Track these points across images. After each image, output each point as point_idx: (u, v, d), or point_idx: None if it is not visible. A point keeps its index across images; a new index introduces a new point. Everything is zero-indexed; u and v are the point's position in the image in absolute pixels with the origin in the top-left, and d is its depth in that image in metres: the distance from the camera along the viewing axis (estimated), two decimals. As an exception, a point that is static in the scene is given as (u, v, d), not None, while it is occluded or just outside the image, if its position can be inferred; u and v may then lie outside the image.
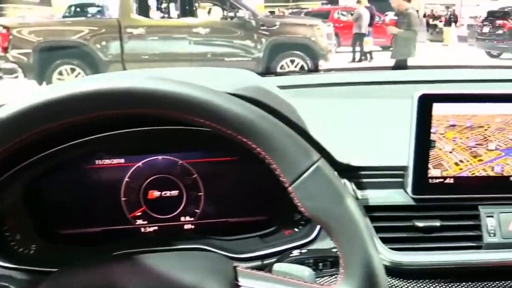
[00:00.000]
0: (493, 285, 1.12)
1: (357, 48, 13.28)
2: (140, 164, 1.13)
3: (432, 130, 1.07)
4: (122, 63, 8.18)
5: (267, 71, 8.64)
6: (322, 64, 9.19)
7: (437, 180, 1.10)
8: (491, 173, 1.11)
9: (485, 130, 1.09)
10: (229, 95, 0.71)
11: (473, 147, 1.09)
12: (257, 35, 8.96)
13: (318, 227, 1.10)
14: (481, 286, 1.12)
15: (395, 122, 1.10)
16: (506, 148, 1.10)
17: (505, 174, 1.11)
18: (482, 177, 1.11)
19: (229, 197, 1.11)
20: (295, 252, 1.01)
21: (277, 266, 0.83)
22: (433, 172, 1.10)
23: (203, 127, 0.70)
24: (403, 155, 1.11)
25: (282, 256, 1.03)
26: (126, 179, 1.12)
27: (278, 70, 8.80)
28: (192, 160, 1.14)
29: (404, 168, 1.12)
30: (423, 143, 1.08)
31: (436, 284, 1.10)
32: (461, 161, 1.10)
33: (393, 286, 1.09)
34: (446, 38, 18.85)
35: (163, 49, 8.60)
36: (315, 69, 9.17)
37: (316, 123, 1.23)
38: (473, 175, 1.11)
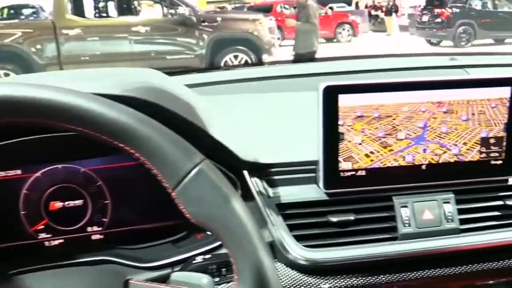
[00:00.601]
0: (410, 276, 1.10)
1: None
2: (38, 174, 1.05)
3: (339, 122, 1.04)
4: (60, 65, 7.93)
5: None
6: (266, 58, 9.17)
7: (349, 173, 1.07)
8: (403, 163, 1.09)
9: (394, 119, 1.07)
10: (104, 98, 0.66)
11: (383, 137, 1.07)
12: (198, 32, 8.86)
13: None
14: (398, 277, 1.10)
15: (306, 115, 1.06)
16: (416, 136, 1.08)
17: (416, 163, 1.10)
18: (394, 167, 1.09)
19: (137, 203, 1.04)
20: (198, 259, 0.96)
21: (175, 276, 0.79)
22: (344, 165, 1.07)
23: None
24: (315, 149, 1.07)
25: (185, 263, 0.98)
26: (25, 191, 1.04)
27: (222, 66, 8.72)
28: (95, 167, 1.08)
29: (316, 163, 1.08)
30: (331, 136, 1.05)
31: (354, 278, 1.08)
32: (371, 152, 1.07)
33: (311, 285, 1.06)
34: (388, 28, 19.20)
35: (103, 50, 8.39)
36: (259, 64, 9.15)
37: (226, 120, 1.18)
38: (385, 166, 1.09)
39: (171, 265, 1.04)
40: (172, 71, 1.57)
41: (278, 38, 12.32)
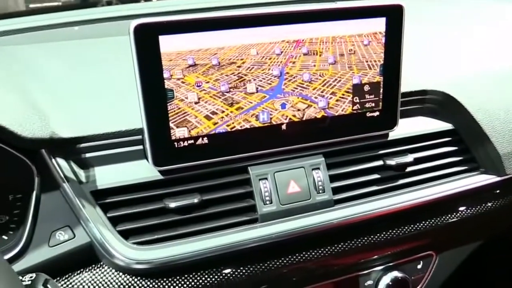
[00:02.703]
0: (276, 264, 0.88)
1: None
2: None
3: (165, 75, 0.74)
4: None
5: None
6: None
7: (186, 143, 0.78)
8: (257, 124, 0.82)
9: (239, 67, 0.79)
10: None
11: (227, 92, 0.79)
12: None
13: (27, 231, 0.74)
14: (262, 267, 0.88)
15: (128, 69, 0.74)
16: (271, 88, 0.81)
17: (274, 123, 0.83)
18: (246, 130, 0.82)
19: None
20: None
21: None
22: (178, 132, 0.78)
23: None
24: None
25: None
26: None
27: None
28: None
29: (142, 132, 0.78)
30: (155, 94, 0.75)
31: (207, 276, 0.83)
32: (213, 112, 0.79)
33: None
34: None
35: None
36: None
37: (9, 80, 0.84)
38: (233, 129, 0.81)
39: None
40: None
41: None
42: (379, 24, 0.86)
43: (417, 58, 1.10)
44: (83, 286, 0.77)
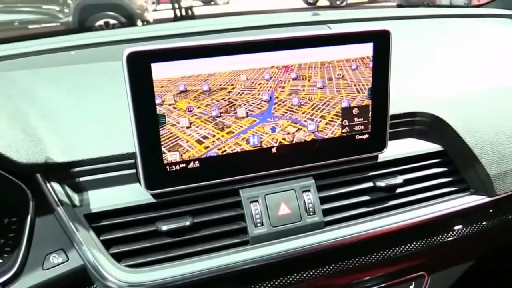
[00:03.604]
0: (267, 285, 0.87)
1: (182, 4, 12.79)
2: None
3: (157, 101, 0.76)
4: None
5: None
6: (140, 24, 8.70)
7: (178, 167, 0.80)
8: (247, 147, 0.84)
9: (229, 92, 0.81)
10: None
11: (218, 116, 0.81)
12: (62, -2, 8.19)
13: (21, 254, 0.75)
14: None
15: (123, 93, 0.76)
16: (260, 112, 0.83)
17: (264, 146, 0.85)
18: (236, 154, 0.83)
19: None
20: None
21: None
22: (170, 157, 0.79)
23: None
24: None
25: None
26: None
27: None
28: None
29: (135, 156, 0.80)
30: (148, 120, 0.77)
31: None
32: (205, 137, 0.80)
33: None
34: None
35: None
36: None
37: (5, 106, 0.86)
38: (224, 152, 0.82)
39: None
40: None
41: (153, 3, 11.75)
42: (366, 49, 0.88)
43: (405, 81, 1.11)
44: None
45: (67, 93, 0.98)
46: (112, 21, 8.31)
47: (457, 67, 1.25)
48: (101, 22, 8.26)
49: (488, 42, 1.44)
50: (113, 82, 0.97)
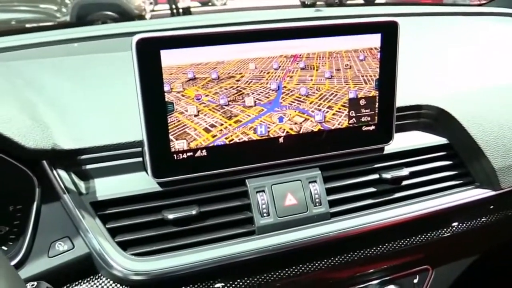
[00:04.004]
0: (274, 276, 0.89)
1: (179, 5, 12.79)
2: None
3: (165, 88, 0.76)
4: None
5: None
6: (140, 22, 8.69)
7: (185, 155, 0.80)
8: (254, 137, 0.83)
9: (238, 81, 0.81)
10: None
11: (226, 105, 0.80)
12: (60, -4, 8.17)
13: (27, 242, 0.75)
14: (260, 279, 0.89)
15: (130, 82, 0.76)
16: (268, 102, 0.83)
17: (272, 136, 0.84)
18: (244, 143, 0.83)
19: None
20: None
21: None
22: (177, 145, 0.79)
23: None
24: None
25: None
26: None
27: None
28: None
29: (142, 144, 0.79)
30: (156, 107, 0.76)
31: (202, 287, 0.81)
32: (212, 125, 0.80)
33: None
34: (264, -10, 19.16)
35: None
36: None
37: (13, 94, 0.86)
38: (232, 141, 0.82)
39: None
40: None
41: (151, 3, 11.73)
42: (374, 40, 0.88)
43: (412, 74, 1.11)
44: None
45: (73, 83, 0.98)
46: (109, 22, 8.31)
47: (461, 63, 1.25)
48: (99, 23, 8.24)
49: (490, 40, 1.44)
50: (119, 71, 0.96)
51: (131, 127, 0.83)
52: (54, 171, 0.80)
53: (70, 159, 0.82)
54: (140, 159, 0.85)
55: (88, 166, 0.84)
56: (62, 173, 0.81)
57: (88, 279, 0.80)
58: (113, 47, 1.09)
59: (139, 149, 0.84)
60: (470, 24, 1.59)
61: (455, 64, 1.22)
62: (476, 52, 1.33)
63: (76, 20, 8.07)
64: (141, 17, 8.55)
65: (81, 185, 0.82)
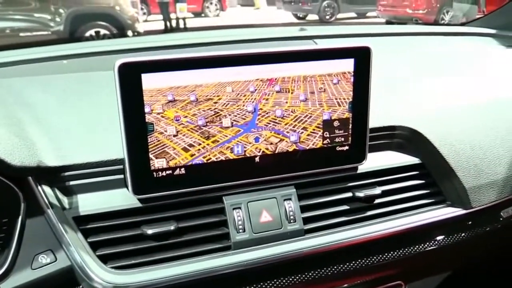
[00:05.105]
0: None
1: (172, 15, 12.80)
2: None
3: (146, 110, 0.80)
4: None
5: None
6: (131, 34, 8.74)
7: (164, 173, 0.83)
8: (231, 156, 0.87)
9: (215, 103, 0.84)
10: None
11: (204, 126, 0.84)
12: (54, 7, 8.19)
13: (11, 254, 0.78)
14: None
15: (113, 101, 0.79)
16: (245, 123, 0.87)
17: (248, 155, 0.88)
18: (221, 162, 0.87)
19: None
20: None
21: None
22: (157, 163, 0.82)
23: None
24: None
25: None
26: None
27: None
28: None
29: (123, 162, 0.83)
30: (137, 127, 0.80)
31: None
32: (191, 145, 0.84)
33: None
34: (256, 2, 19.23)
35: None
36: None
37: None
38: (209, 160, 0.86)
39: None
40: None
41: (144, 13, 11.78)
42: (348, 64, 0.92)
43: (386, 96, 1.15)
44: None
45: (60, 100, 1.02)
46: (103, 31, 8.35)
47: (436, 83, 1.29)
48: (92, 32, 8.29)
49: (466, 61, 1.49)
50: (104, 91, 1.00)
51: (114, 145, 0.87)
52: (39, 187, 0.83)
53: (54, 175, 0.85)
54: (121, 176, 0.89)
55: (72, 182, 0.87)
56: (47, 188, 0.84)
57: None
58: (100, 65, 1.12)
59: (121, 166, 0.88)
60: (448, 45, 1.64)
61: (430, 84, 1.26)
62: (452, 73, 1.37)
63: (69, 29, 8.08)
64: (133, 28, 8.58)
65: (65, 200, 0.86)
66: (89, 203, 0.86)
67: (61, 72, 1.13)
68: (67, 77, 1.11)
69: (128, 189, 0.86)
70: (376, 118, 1.03)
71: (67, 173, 0.86)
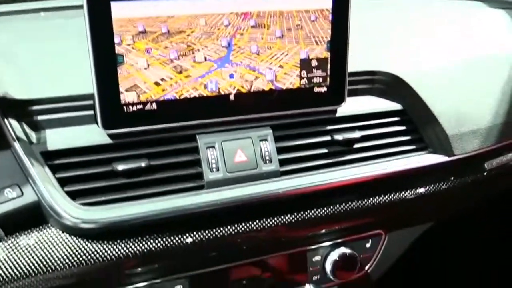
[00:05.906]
0: (222, 231, 0.90)
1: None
2: None
3: (115, 40, 0.77)
4: None
5: None
6: None
7: (135, 107, 0.81)
8: (205, 92, 0.85)
9: (188, 36, 0.82)
10: None
11: (176, 59, 0.82)
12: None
13: None
14: (208, 234, 0.90)
15: (81, 36, 0.77)
16: (219, 58, 0.84)
17: (222, 92, 0.86)
18: (194, 99, 0.85)
19: None
20: None
21: None
22: (127, 97, 0.81)
23: None
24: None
25: None
26: None
27: None
28: None
29: (93, 96, 0.81)
30: (106, 58, 0.78)
31: (152, 240, 0.85)
32: (162, 79, 0.82)
33: (98, 253, 0.81)
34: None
35: None
36: None
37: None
38: (182, 96, 0.84)
39: None
40: None
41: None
42: (326, 1, 0.89)
43: (368, 41, 1.13)
44: (30, 246, 0.79)
45: (28, 40, 0.98)
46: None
47: (420, 38, 1.26)
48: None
49: (454, 20, 1.45)
50: (74, 29, 0.97)
51: (84, 80, 0.84)
52: (6, 120, 0.81)
53: (21, 109, 0.83)
54: (92, 111, 0.86)
55: (40, 117, 0.85)
56: (13, 122, 0.82)
57: (37, 228, 0.81)
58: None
59: (91, 102, 0.86)
60: (435, 7, 1.59)
61: (413, 38, 1.23)
62: (438, 29, 1.33)
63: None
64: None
65: (32, 135, 0.84)
66: (58, 138, 0.84)
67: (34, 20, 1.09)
68: (38, 21, 1.07)
69: (98, 124, 0.83)
70: (357, 63, 1.00)
71: (35, 107, 0.84)
